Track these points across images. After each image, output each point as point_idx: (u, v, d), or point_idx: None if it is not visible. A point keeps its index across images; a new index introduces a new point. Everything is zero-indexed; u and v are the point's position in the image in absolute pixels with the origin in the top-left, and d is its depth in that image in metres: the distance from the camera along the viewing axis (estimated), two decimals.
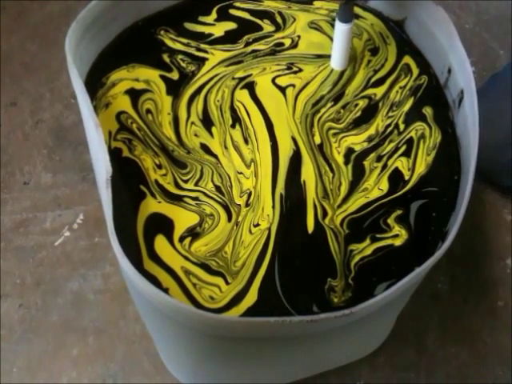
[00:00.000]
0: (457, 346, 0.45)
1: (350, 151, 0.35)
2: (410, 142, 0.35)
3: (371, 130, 0.36)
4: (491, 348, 0.45)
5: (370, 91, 0.37)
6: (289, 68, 0.38)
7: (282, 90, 0.37)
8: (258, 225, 0.32)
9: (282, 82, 0.37)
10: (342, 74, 0.38)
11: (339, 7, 0.36)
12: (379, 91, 0.37)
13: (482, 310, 0.47)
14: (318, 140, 0.35)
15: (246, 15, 0.40)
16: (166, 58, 0.38)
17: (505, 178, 0.50)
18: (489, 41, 0.63)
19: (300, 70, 0.38)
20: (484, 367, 0.45)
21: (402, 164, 0.34)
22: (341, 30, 0.36)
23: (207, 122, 0.35)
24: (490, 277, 0.48)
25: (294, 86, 0.37)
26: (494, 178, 0.51)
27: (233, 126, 0.35)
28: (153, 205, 0.32)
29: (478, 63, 0.61)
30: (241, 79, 0.37)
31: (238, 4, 0.41)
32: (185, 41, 0.38)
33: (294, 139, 0.35)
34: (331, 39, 0.38)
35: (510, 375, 0.44)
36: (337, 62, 0.38)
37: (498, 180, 0.51)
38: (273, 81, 0.38)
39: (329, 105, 0.37)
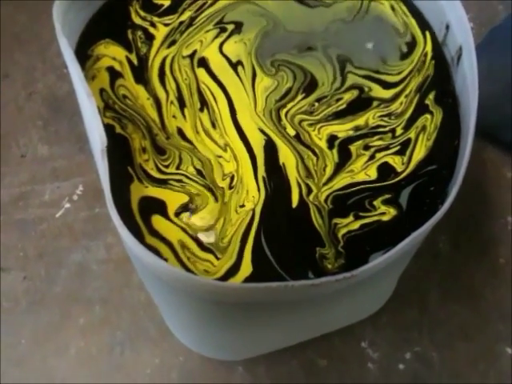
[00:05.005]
0: (459, 304, 0.46)
1: (332, 138, 0.33)
2: (406, 142, 0.33)
3: (359, 122, 0.34)
4: (493, 305, 0.46)
5: (363, 82, 0.35)
6: (223, 29, 0.36)
7: (234, 67, 0.35)
8: (243, 206, 0.31)
9: (229, 51, 0.36)
10: None
11: None
12: (378, 91, 0.35)
13: (484, 268, 0.47)
14: (291, 132, 0.33)
15: None
16: (129, 34, 0.36)
17: (505, 133, 0.49)
18: None
19: (240, 25, 0.36)
20: (486, 324, 0.45)
21: (393, 160, 0.33)
22: None
23: (181, 101, 0.34)
24: (491, 235, 0.48)
25: (242, 64, 0.35)
26: (495, 133, 0.50)
27: (201, 110, 0.34)
28: (141, 189, 0.31)
29: (476, 19, 0.59)
30: (191, 57, 0.36)
31: None
32: (143, 14, 0.37)
33: (262, 131, 0.33)
34: None
35: (510, 330, 0.45)
36: None
37: (498, 135, 0.50)
38: (220, 51, 0.36)
39: (299, 97, 0.34)
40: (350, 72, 0.35)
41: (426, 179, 0.32)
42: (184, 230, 0.30)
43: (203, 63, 0.35)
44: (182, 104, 0.34)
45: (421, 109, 0.34)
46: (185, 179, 0.32)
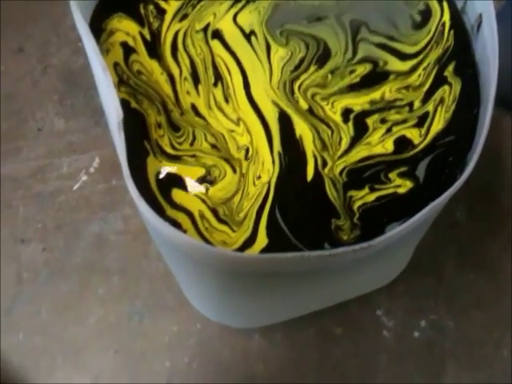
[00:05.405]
0: (475, 274, 0.46)
1: (347, 111, 0.33)
2: (424, 115, 0.32)
3: (375, 95, 0.33)
4: (509, 274, 0.46)
5: (377, 53, 0.34)
6: (237, 0, 0.35)
7: (248, 38, 0.35)
8: (259, 177, 0.31)
9: (242, 21, 0.35)
10: None
11: None
12: (394, 64, 0.34)
13: (502, 238, 0.47)
14: (304, 106, 0.33)
15: None
16: (141, 8, 0.35)
17: None
18: None
19: None
20: (502, 293, 0.45)
21: (411, 133, 0.32)
22: None
23: (195, 77, 0.34)
24: (510, 204, 0.48)
25: (255, 34, 0.34)
26: None
27: (215, 85, 0.34)
28: (156, 164, 0.31)
29: None
30: (204, 30, 0.35)
31: None
32: None
33: (275, 104, 0.33)
34: None
35: None
36: None
37: None
38: (234, 21, 0.35)
39: (312, 69, 0.34)
40: (363, 39, 0.35)
41: (444, 150, 0.31)
42: (204, 200, 0.30)
43: (217, 35, 0.35)
44: (195, 80, 0.34)
45: (439, 81, 0.33)
46: (199, 153, 0.32)
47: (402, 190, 0.31)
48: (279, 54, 0.34)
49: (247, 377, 0.43)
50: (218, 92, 0.34)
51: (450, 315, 0.44)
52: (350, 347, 0.44)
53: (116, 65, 0.34)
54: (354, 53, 0.34)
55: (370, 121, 0.33)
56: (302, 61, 0.34)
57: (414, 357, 0.44)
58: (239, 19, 0.35)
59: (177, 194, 0.30)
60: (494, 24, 0.30)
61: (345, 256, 0.26)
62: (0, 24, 0.57)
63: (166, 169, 0.31)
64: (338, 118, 0.33)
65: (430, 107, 0.33)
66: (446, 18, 0.35)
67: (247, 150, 0.32)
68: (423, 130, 0.32)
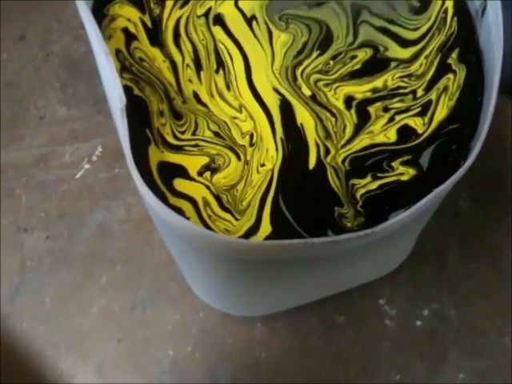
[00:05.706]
0: (478, 262, 0.46)
1: (349, 98, 0.32)
2: (427, 104, 0.32)
3: (377, 83, 0.33)
4: None
5: (377, 37, 0.34)
6: None
7: (249, 22, 0.34)
8: (263, 165, 0.31)
9: (244, 5, 0.35)
10: None
11: None
12: (395, 50, 0.33)
13: (505, 226, 0.47)
14: (307, 92, 0.33)
15: None
16: None
17: None
18: None
19: None
20: (504, 281, 0.45)
21: (414, 122, 0.32)
22: None
23: (197, 64, 0.34)
24: None
25: (256, 19, 0.34)
26: None
27: (217, 71, 0.33)
28: (157, 154, 0.31)
29: None
30: (206, 15, 0.34)
31: None
32: None
33: (277, 91, 0.33)
34: None
35: None
36: None
37: None
38: (236, 5, 0.35)
39: (314, 54, 0.34)
40: (364, 22, 0.34)
41: (448, 138, 0.31)
42: (208, 187, 0.30)
43: (219, 20, 0.35)
44: (198, 67, 0.34)
45: (443, 69, 0.33)
46: (201, 143, 0.32)
47: (404, 178, 0.31)
48: (282, 38, 0.34)
49: (249, 365, 0.43)
50: (220, 79, 0.33)
51: (452, 304, 0.44)
52: (352, 336, 0.44)
53: (118, 51, 0.33)
54: (355, 36, 0.34)
55: (372, 109, 0.32)
56: (304, 45, 0.34)
57: (417, 346, 0.44)
58: (241, 3, 0.35)
59: (179, 183, 0.30)
60: (499, 8, 0.29)
61: (348, 243, 0.26)
62: (2, 11, 0.57)
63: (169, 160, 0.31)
64: (340, 104, 0.33)
65: (433, 95, 0.32)
66: (449, 4, 0.35)
67: (251, 136, 0.32)
68: (426, 119, 0.32)
